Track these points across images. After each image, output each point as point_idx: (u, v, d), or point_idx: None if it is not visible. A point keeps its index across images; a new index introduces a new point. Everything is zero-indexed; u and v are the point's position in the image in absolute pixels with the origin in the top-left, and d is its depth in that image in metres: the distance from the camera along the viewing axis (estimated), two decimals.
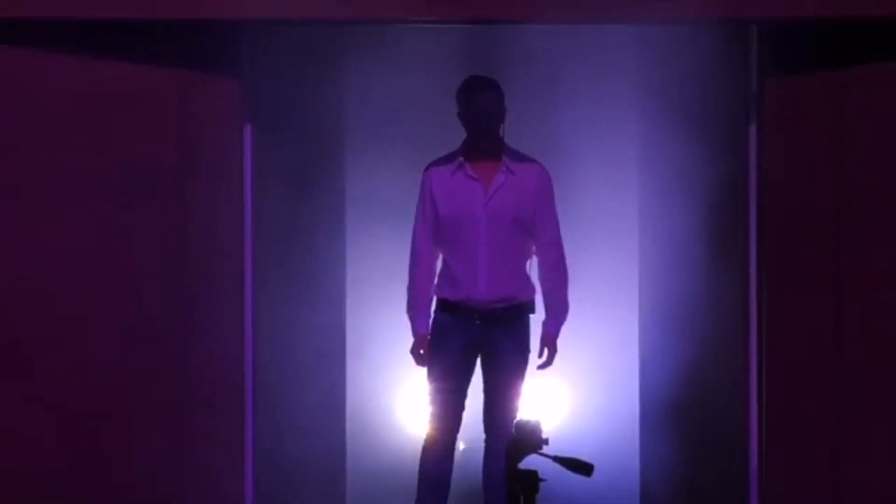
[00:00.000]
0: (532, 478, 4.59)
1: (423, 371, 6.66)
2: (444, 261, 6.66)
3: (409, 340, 6.75)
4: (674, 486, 7.39)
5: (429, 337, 6.65)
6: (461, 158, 6.61)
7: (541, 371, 6.66)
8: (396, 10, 6.55)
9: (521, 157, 6.63)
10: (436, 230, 6.64)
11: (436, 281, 6.70)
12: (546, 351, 6.62)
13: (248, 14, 6.50)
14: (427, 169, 6.68)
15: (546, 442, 4.67)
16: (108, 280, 6.56)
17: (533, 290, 6.67)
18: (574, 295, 7.11)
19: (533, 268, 6.75)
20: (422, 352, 6.64)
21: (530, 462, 4.63)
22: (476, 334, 6.57)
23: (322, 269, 7.36)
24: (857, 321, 6.61)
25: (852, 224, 6.62)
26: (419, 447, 6.72)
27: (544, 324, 6.65)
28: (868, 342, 6.58)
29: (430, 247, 6.65)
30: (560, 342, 6.80)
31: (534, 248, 6.67)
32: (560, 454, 4.63)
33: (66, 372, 6.49)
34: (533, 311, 6.67)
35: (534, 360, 6.71)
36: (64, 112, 6.51)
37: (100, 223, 6.56)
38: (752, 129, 6.81)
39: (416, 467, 6.71)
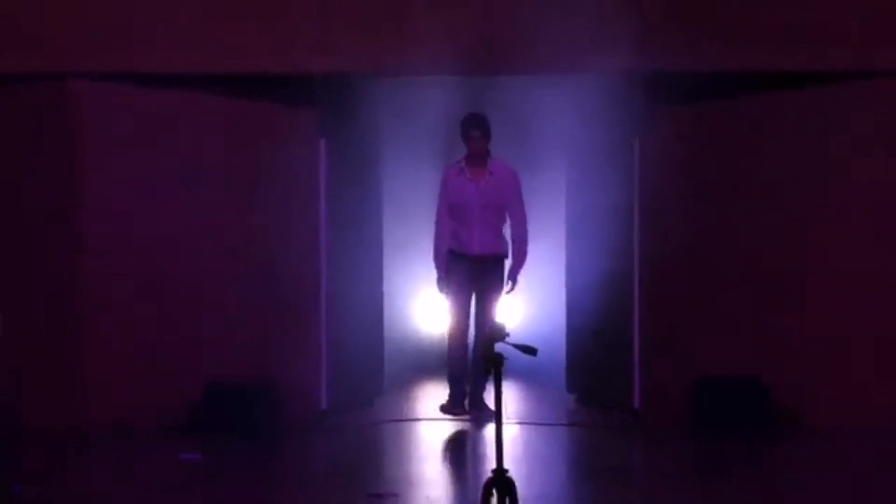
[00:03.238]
0: (499, 358, 5.44)
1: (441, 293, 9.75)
2: (453, 228, 9.63)
3: (426, 269, 9.89)
4: (586, 360, 10.03)
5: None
6: (463, 165, 9.63)
7: (508, 293, 9.68)
8: (417, 65, 9.38)
9: (499, 165, 9.64)
10: (449, 209, 9.53)
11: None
12: (511, 283, 9.68)
13: (323, 68, 9.33)
14: (445, 170, 9.66)
15: (508, 335, 5.45)
16: (230, 238, 9.12)
17: (507, 246, 9.70)
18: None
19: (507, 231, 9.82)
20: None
21: (498, 348, 5.46)
22: (472, 273, 9.70)
23: (366, 229, 10.06)
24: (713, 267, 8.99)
25: (709, 207, 9.10)
26: (444, 340, 9.80)
27: (511, 267, 9.67)
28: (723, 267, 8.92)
29: (447, 219, 9.55)
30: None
31: (508, 222, 9.60)
32: (517, 343, 5.45)
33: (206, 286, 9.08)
34: (507, 258, 9.74)
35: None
36: (188, 136, 9.02)
37: (218, 208, 9.05)
38: (636, 143, 9.48)
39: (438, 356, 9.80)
